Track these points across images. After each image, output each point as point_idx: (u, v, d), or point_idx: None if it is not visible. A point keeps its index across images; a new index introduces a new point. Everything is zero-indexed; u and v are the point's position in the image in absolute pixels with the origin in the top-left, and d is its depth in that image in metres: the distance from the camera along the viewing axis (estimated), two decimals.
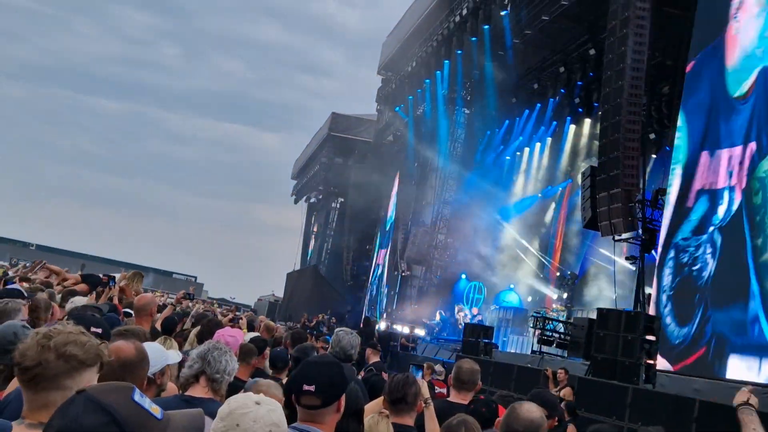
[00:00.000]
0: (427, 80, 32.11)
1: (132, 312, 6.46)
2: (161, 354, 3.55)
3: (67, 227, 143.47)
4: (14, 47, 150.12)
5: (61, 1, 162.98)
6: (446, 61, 29.62)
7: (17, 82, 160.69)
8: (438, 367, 12.65)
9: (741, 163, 13.13)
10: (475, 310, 27.97)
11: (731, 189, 13.28)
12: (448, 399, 5.12)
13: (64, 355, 2.01)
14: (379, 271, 39.06)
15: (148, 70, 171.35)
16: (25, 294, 5.83)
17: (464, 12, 26.28)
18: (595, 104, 23.28)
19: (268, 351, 6.18)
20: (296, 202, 65.66)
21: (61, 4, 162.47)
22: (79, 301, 6.24)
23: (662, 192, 16.48)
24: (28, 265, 12.70)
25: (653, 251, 16.46)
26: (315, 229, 61.76)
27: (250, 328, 9.38)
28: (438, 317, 28.77)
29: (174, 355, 3.75)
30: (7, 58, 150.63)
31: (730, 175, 13.38)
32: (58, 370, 1.99)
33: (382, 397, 4.27)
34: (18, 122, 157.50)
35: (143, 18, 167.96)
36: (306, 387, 2.91)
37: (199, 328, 7.14)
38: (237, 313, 18.65)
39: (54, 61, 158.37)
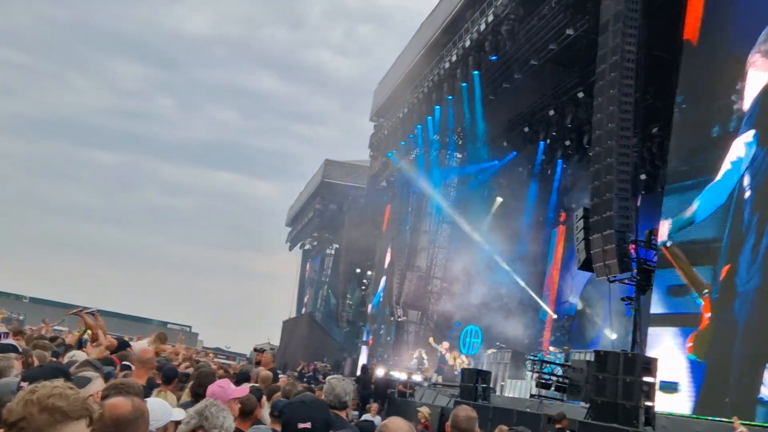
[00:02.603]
0: (419, 126, 32.36)
1: (131, 365, 6.42)
2: (165, 410, 3.52)
3: (61, 279, 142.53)
4: (8, 102, 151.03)
5: (56, 55, 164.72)
6: (437, 107, 29.91)
7: (12, 137, 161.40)
8: (423, 409, 13.03)
9: None
10: (463, 358, 27.55)
11: None
12: None
13: (47, 408, 1.94)
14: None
15: (142, 122, 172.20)
16: (20, 349, 5.78)
17: (454, 58, 26.62)
18: (586, 146, 23.48)
19: (264, 400, 6.16)
20: (291, 249, 65.72)
21: (56, 59, 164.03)
22: (79, 356, 6.21)
23: (654, 232, 16.50)
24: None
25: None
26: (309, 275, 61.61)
27: (245, 378, 9.26)
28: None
29: (178, 413, 3.71)
30: (1, 113, 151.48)
31: None
32: (41, 423, 1.93)
33: None
34: (12, 175, 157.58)
35: (137, 70, 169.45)
36: (301, 425, 2.92)
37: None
38: (229, 361, 18.44)
39: (49, 115, 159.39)
